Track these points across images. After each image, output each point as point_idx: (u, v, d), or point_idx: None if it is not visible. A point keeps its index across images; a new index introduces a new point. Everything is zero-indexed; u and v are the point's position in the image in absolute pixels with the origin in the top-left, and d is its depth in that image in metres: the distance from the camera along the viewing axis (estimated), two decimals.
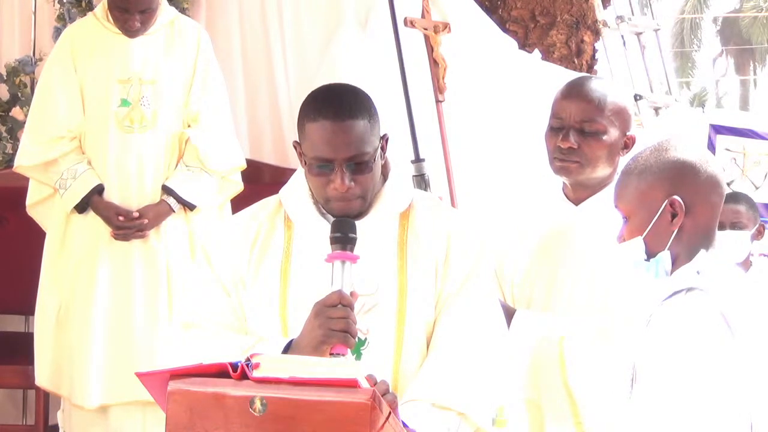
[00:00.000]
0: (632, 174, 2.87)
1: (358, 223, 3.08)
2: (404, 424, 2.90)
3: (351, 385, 2.69)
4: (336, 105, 3.11)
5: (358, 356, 3.10)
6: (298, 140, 3.18)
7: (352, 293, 2.99)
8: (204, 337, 3.15)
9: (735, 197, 5.34)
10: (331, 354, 2.96)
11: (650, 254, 2.83)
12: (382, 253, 3.15)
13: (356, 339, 3.01)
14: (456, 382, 3.07)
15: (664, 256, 2.81)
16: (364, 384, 2.72)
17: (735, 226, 5.26)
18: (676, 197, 2.80)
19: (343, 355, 2.97)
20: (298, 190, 3.23)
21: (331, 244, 3.03)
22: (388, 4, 5.24)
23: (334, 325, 2.95)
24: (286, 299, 3.14)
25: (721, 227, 5.12)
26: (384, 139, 3.17)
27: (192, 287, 3.27)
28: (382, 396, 2.74)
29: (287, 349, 3.03)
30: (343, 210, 3.10)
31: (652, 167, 2.84)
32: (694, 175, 2.81)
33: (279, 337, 3.11)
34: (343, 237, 3.02)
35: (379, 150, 3.14)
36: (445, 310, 3.14)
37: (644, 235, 2.83)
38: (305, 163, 3.14)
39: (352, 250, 3.01)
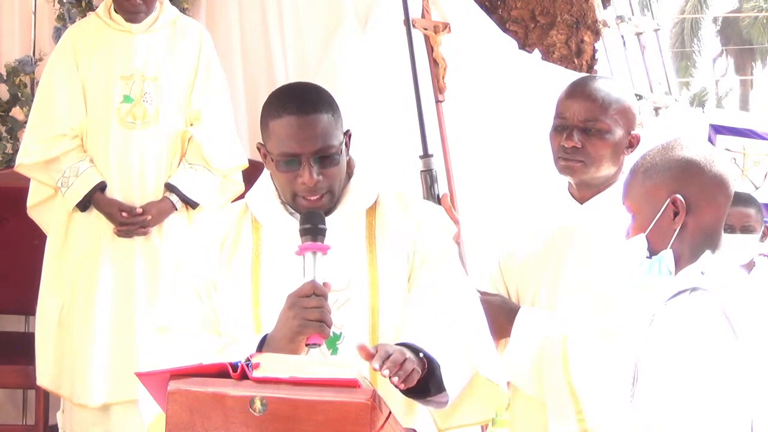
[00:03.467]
0: (639, 172, 2.87)
1: (326, 219, 3.08)
2: (428, 356, 2.91)
3: (351, 385, 2.69)
4: (298, 100, 3.12)
5: (334, 351, 3.10)
6: (261, 142, 3.18)
7: (325, 284, 2.98)
8: (177, 341, 3.14)
9: (744, 200, 5.32)
10: (306, 344, 2.95)
11: (653, 252, 2.83)
12: (351, 249, 3.15)
13: (332, 329, 3.00)
14: (447, 326, 3.08)
15: (666, 255, 2.80)
16: (365, 384, 2.72)
17: (745, 229, 5.25)
18: (677, 195, 2.79)
19: (319, 345, 2.96)
20: (264, 191, 3.23)
21: (301, 236, 3.03)
22: (402, 4, 5.24)
23: (308, 315, 2.94)
24: (258, 299, 3.14)
25: (731, 230, 5.12)
26: (347, 135, 3.18)
27: (166, 291, 3.28)
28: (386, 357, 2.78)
29: (262, 344, 3.01)
30: (311, 206, 3.10)
31: (657, 165, 2.84)
32: (699, 175, 2.81)
33: (252, 334, 3.10)
34: (313, 228, 3.02)
35: (344, 146, 3.15)
36: (418, 279, 3.14)
37: (647, 232, 2.83)
38: (272, 160, 3.13)
39: (322, 241, 3.02)
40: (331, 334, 3.04)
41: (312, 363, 2.86)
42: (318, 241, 3.01)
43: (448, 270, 3.18)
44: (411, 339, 2.99)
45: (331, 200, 3.13)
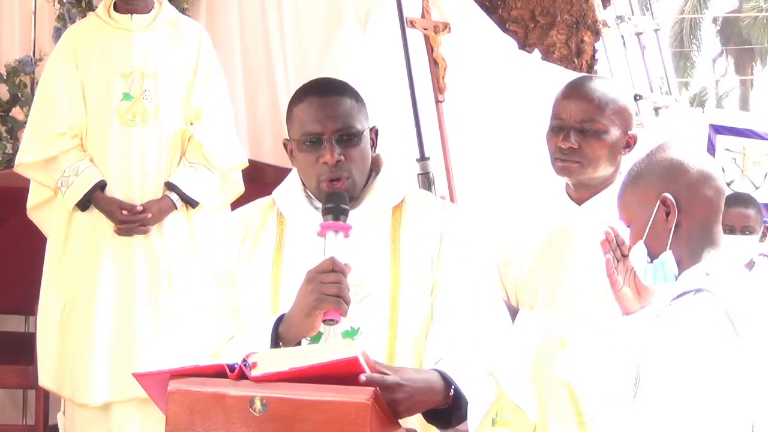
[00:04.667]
0: (627, 183, 2.91)
1: (350, 214, 3.10)
2: (452, 382, 2.92)
3: (353, 363, 2.69)
4: (322, 84, 3.21)
5: None
6: (288, 137, 3.21)
7: (345, 265, 2.99)
8: (196, 324, 3.15)
9: (744, 201, 5.34)
10: (324, 321, 2.96)
11: (653, 257, 2.83)
12: (374, 245, 3.15)
13: (350, 324, 3.03)
14: (473, 346, 3.08)
15: (667, 257, 2.81)
16: (363, 360, 2.72)
17: (745, 230, 5.26)
18: (666, 195, 2.81)
19: (337, 321, 2.97)
20: (291, 187, 3.25)
21: (323, 215, 3.05)
22: (396, 5, 5.24)
23: (326, 289, 2.95)
24: (278, 292, 3.15)
25: (732, 231, 5.14)
26: (374, 131, 3.20)
27: (187, 280, 3.29)
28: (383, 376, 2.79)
29: (279, 322, 3.03)
30: (332, 189, 3.11)
31: (643, 171, 2.87)
32: (683, 172, 2.83)
33: (269, 316, 3.10)
34: (335, 207, 3.04)
35: (369, 137, 3.17)
36: (443, 290, 3.14)
37: (644, 238, 2.83)
38: (295, 147, 3.16)
39: (344, 221, 3.03)
40: (349, 328, 3.07)
41: (310, 350, 2.87)
42: (340, 221, 3.02)
43: (472, 286, 3.16)
44: (444, 367, 2.99)
45: (353, 188, 3.14)
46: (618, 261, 3.18)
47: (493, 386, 3.06)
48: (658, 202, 2.81)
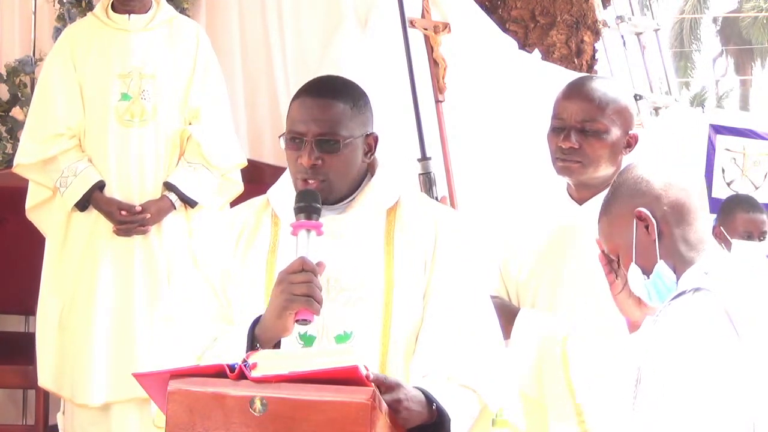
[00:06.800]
0: (601, 215, 2.95)
1: (343, 216, 3.11)
2: (435, 401, 2.92)
3: (352, 372, 2.69)
4: (320, 85, 3.18)
5: None
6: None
7: (318, 263, 2.98)
8: (178, 331, 3.13)
9: (759, 207, 5.37)
10: (296, 321, 2.95)
11: (648, 272, 2.85)
12: (368, 248, 3.14)
13: (342, 328, 3.02)
14: (461, 359, 3.06)
15: (661, 267, 2.82)
16: (364, 370, 2.72)
17: (763, 235, 5.27)
18: (639, 209, 2.83)
19: (309, 321, 2.95)
20: (285, 187, 3.24)
21: (296, 214, 3.04)
22: (398, 5, 5.24)
23: (295, 290, 2.93)
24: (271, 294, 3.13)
25: (750, 238, 5.15)
26: (372, 137, 3.18)
27: (176, 282, 3.28)
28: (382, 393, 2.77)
29: (255, 325, 3.01)
30: (306, 188, 3.10)
31: (610, 198, 2.92)
32: (647, 184, 2.87)
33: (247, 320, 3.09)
34: (307, 206, 3.03)
35: (362, 143, 3.14)
36: (435, 297, 3.12)
37: (634, 260, 2.85)
38: (284, 142, 3.15)
39: (317, 219, 3.02)
40: (342, 332, 3.06)
41: (310, 355, 2.86)
42: (312, 220, 3.01)
43: (464, 297, 3.14)
44: (425, 384, 2.99)
45: (328, 191, 3.11)
46: (615, 271, 3.20)
47: (475, 400, 3.06)
48: (635, 219, 2.83)
